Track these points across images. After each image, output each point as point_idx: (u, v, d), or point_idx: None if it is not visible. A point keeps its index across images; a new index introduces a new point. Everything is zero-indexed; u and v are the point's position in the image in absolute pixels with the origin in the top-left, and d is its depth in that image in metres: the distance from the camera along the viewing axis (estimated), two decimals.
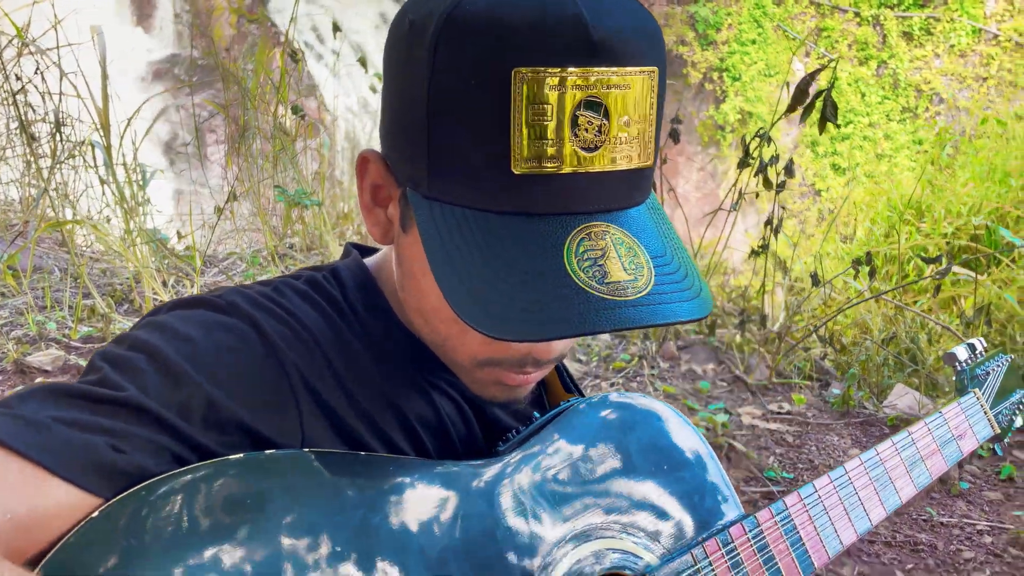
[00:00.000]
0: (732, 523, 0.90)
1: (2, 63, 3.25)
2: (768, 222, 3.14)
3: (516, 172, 0.60)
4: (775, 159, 2.77)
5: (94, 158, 3.11)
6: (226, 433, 0.65)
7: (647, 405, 0.91)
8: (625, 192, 0.64)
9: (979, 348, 1.21)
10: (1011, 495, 2.25)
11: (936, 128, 9.06)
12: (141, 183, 3.19)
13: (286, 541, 0.63)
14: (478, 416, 0.83)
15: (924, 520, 2.11)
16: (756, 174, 2.75)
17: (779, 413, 2.58)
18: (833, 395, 2.66)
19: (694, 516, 0.89)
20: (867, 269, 2.60)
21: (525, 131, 0.59)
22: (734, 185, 2.83)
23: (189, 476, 0.61)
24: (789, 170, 2.81)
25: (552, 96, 0.58)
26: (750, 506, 2.13)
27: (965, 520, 2.11)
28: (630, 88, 0.61)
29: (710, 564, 0.86)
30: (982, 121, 7.07)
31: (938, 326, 2.68)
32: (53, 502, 0.57)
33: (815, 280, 2.96)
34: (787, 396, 2.68)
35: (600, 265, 0.61)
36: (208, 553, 0.60)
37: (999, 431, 1.16)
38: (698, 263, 3.37)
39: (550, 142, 0.59)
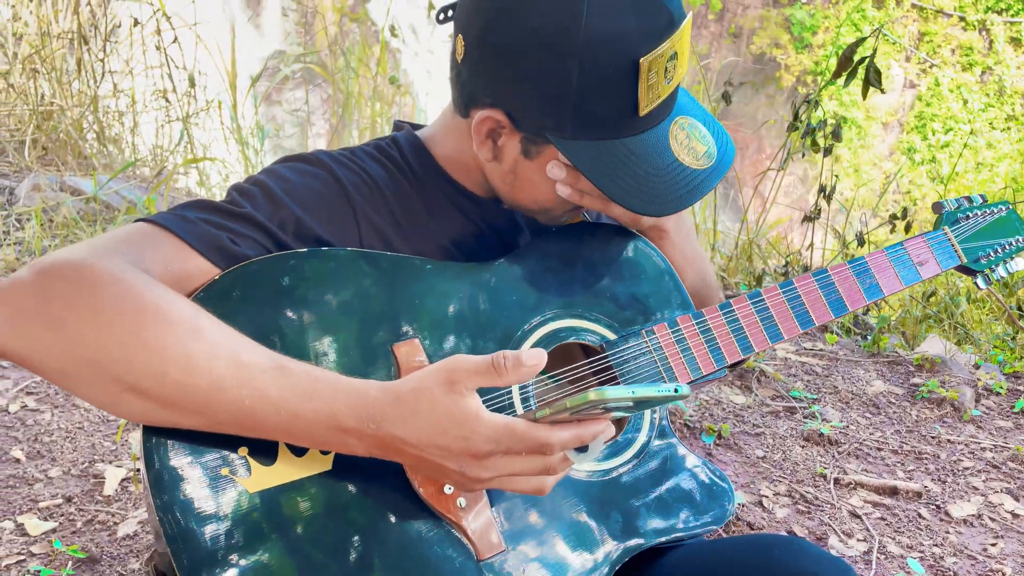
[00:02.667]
0: (681, 314, 1.15)
1: (157, 35, 3.80)
2: (821, 189, 3.36)
3: (641, 115, 0.96)
4: (823, 123, 3.00)
5: (220, 115, 3.61)
6: (308, 243, 0.96)
7: (628, 234, 1.21)
8: (676, 93, 1.02)
9: (977, 202, 1.30)
10: (1022, 425, 2.41)
11: None
12: (260, 139, 3.67)
13: (337, 300, 0.94)
14: (506, 247, 1.15)
15: (932, 437, 2.31)
16: (803, 136, 2.99)
17: (811, 349, 2.81)
18: (867, 341, 2.87)
19: (653, 313, 1.15)
20: (904, 223, 2.80)
21: (647, 90, 0.93)
22: (783, 146, 3.06)
23: (276, 261, 0.94)
24: (836, 134, 3.03)
25: (660, 63, 0.93)
26: (772, 416, 2.38)
27: (971, 439, 2.31)
28: (685, 30, 0.95)
29: (658, 341, 1.12)
30: None
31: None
32: (193, 268, 0.88)
33: (860, 240, 3.17)
34: (823, 340, 2.90)
35: (691, 148, 1.00)
36: (285, 307, 0.93)
37: (965, 261, 1.26)
38: (754, 228, 3.61)
39: (659, 91, 0.95)
